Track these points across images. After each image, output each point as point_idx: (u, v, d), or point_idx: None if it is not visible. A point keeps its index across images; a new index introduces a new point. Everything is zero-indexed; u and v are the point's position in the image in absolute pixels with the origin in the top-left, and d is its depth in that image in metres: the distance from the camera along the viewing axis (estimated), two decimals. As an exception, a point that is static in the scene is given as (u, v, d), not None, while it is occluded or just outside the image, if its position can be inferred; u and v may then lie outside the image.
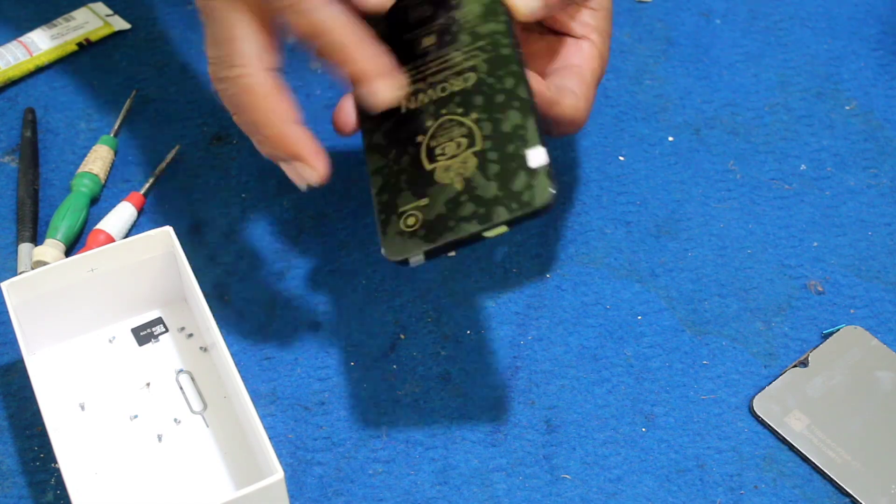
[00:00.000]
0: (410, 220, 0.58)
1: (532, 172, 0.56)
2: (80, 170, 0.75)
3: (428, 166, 0.59)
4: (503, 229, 0.56)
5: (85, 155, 0.76)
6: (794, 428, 0.64)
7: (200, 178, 0.76)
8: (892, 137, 0.78)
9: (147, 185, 0.75)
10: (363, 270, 0.71)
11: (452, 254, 0.59)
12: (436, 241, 0.57)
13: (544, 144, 0.57)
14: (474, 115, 0.59)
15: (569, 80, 0.65)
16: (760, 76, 0.81)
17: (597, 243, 0.72)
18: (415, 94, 0.61)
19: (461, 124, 0.59)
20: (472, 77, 0.60)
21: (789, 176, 0.76)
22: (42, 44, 0.82)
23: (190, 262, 0.65)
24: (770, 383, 0.66)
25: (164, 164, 0.76)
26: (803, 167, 0.76)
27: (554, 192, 0.56)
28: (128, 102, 0.79)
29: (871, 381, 0.65)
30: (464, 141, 0.59)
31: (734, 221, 0.73)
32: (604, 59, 0.67)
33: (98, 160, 0.75)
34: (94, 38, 0.84)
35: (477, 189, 0.57)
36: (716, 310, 0.69)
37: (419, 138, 0.60)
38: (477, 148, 0.58)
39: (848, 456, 0.63)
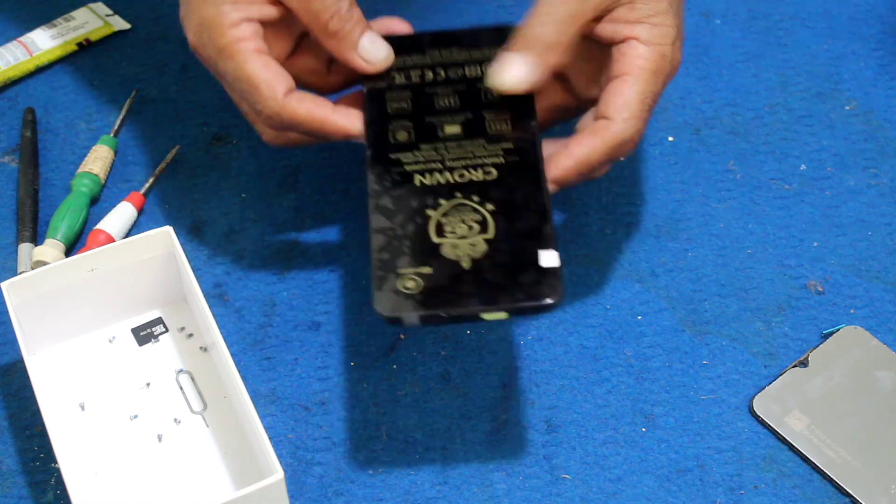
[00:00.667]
0: (409, 283, 0.56)
1: (543, 271, 0.56)
2: (80, 170, 0.75)
3: (435, 239, 0.58)
4: (503, 315, 0.55)
5: (85, 155, 0.76)
6: (794, 428, 0.64)
7: (200, 178, 0.76)
8: (892, 137, 0.78)
9: (147, 185, 0.75)
10: (363, 270, 0.71)
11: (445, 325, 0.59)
12: (433, 308, 0.55)
13: (558, 249, 0.57)
14: (490, 207, 0.59)
15: (611, 103, 0.61)
16: (760, 76, 0.81)
17: (597, 243, 0.72)
18: (430, 171, 0.60)
19: (475, 210, 0.59)
20: (493, 172, 0.60)
21: (789, 176, 0.76)
22: (42, 44, 0.82)
23: (190, 262, 0.65)
24: (770, 383, 0.66)
25: (164, 164, 0.76)
26: (803, 167, 0.76)
27: (562, 293, 0.55)
28: (128, 102, 0.79)
29: (871, 381, 0.65)
30: (476, 226, 0.58)
31: (734, 221, 0.73)
32: (660, 53, 0.61)
33: (98, 160, 0.75)
34: (94, 38, 0.84)
35: (484, 272, 0.56)
36: (716, 310, 0.69)
37: (429, 212, 0.59)
38: (489, 236, 0.58)
39: (848, 456, 0.63)
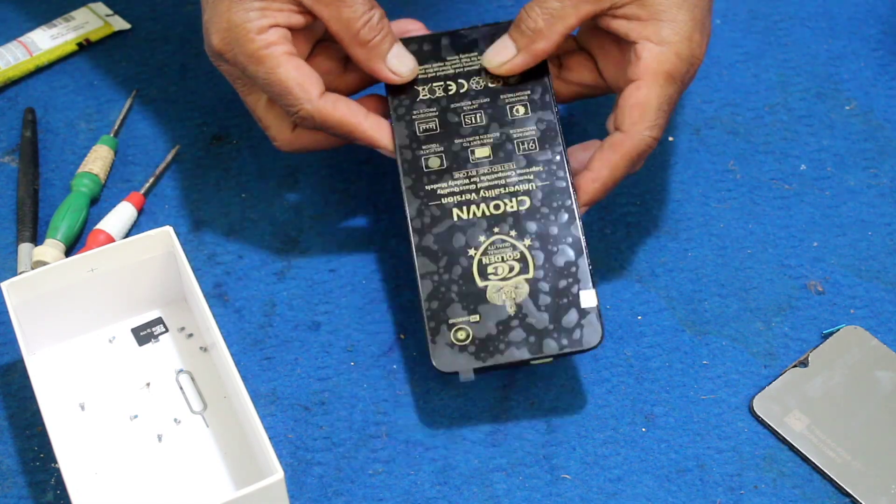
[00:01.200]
0: (461, 334, 0.61)
1: (583, 312, 0.61)
2: (80, 170, 0.75)
3: (480, 283, 0.62)
4: (549, 360, 0.61)
5: (85, 155, 0.76)
6: (794, 428, 0.64)
7: (200, 178, 0.76)
8: (892, 137, 0.78)
9: (147, 185, 0.75)
10: (363, 270, 0.71)
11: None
12: (486, 360, 0.61)
13: (595, 286, 0.61)
14: (527, 242, 0.62)
15: (627, 113, 0.63)
16: (760, 76, 0.81)
17: (597, 243, 0.72)
18: (466, 204, 0.63)
19: (514, 247, 0.62)
20: (526, 201, 0.63)
21: (789, 176, 0.76)
22: (42, 44, 0.82)
23: (190, 262, 0.65)
24: (770, 383, 0.65)
25: (164, 164, 0.76)
26: (803, 167, 0.76)
27: (602, 334, 0.61)
28: (128, 102, 0.79)
29: (871, 381, 0.65)
30: (517, 265, 0.62)
31: (734, 221, 0.73)
32: (675, 53, 0.62)
33: (98, 160, 0.75)
34: (94, 38, 0.84)
35: (528, 317, 0.61)
36: (716, 310, 0.69)
37: (471, 252, 0.62)
38: (529, 276, 0.62)
39: (848, 456, 0.63)
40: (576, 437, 0.64)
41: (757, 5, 0.86)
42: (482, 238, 0.63)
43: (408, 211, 0.64)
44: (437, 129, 0.65)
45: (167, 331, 0.68)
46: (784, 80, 0.81)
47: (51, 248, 0.70)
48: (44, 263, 0.69)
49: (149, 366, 0.66)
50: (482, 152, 0.64)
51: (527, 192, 0.63)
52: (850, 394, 0.65)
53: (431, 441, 0.64)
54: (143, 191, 0.74)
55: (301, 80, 0.63)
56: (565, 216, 0.63)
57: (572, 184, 0.63)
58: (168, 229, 0.65)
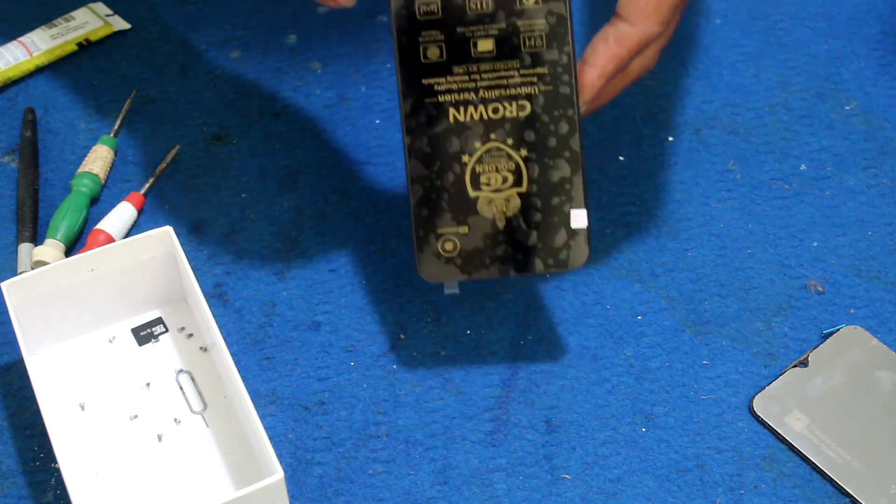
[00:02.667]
0: (448, 246, 0.60)
1: (572, 232, 0.60)
2: (80, 170, 0.75)
3: (471, 193, 0.61)
4: (536, 272, 0.61)
5: (85, 155, 0.76)
6: (794, 428, 0.64)
7: (200, 178, 0.76)
8: (892, 137, 0.78)
9: (147, 185, 0.75)
10: (363, 270, 0.71)
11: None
12: (471, 274, 0.60)
13: (587, 206, 0.60)
14: (524, 152, 0.60)
15: (639, 5, 0.61)
16: (760, 76, 0.81)
17: (597, 243, 0.72)
18: (464, 104, 0.61)
19: (509, 157, 0.61)
20: (527, 107, 0.61)
21: (789, 176, 0.76)
22: (42, 44, 0.82)
23: (190, 262, 0.65)
24: (770, 383, 0.66)
25: (164, 164, 0.76)
26: (803, 167, 0.76)
27: (588, 256, 0.60)
28: (128, 102, 0.79)
29: (871, 381, 0.65)
30: (510, 177, 0.61)
31: (734, 221, 0.73)
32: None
33: (98, 160, 0.75)
34: (94, 38, 0.84)
35: (517, 233, 0.60)
36: (716, 310, 0.69)
37: (465, 158, 0.61)
38: (522, 190, 0.60)
39: (848, 456, 0.63)
40: (576, 437, 0.64)
41: (757, 5, 0.86)
42: (477, 144, 0.60)
43: (402, 108, 0.61)
44: (438, 13, 0.61)
45: (167, 331, 0.68)
46: (784, 80, 0.81)
47: (51, 248, 0.70)
48: (44, 263, 0.69)
49: (149, 366, 0.66)
50: (485, 45, 0.61)
51: (528, 97, 0.60)
52: (850, 394, 0.65)
53: (431, 441, 0.64)
54: (143, 191, 0.74)
55: None
56: (566, 127, 0.60)
57: (577, 93, 0.61)
58: (168, 229, 0.65)
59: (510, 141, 0.60)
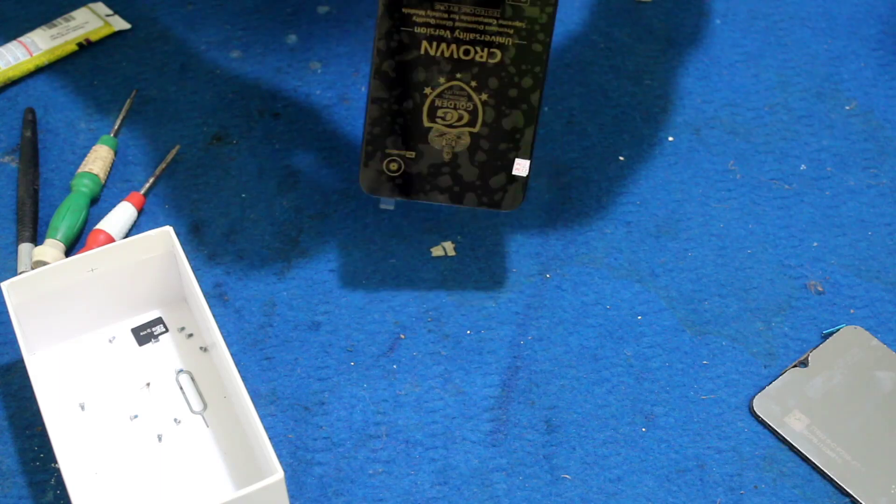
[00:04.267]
0: (393, 165, 0.63)
1: (511, 178, 0.63)
2: (80, 170, 0.75)
3: (426, 123, 0.63)
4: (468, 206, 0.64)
5: (85, 155, 0.76)
6: (794, 428, 0.64)
7: (200, 178, 0.76)
8: (892, 137, 0.78)
9: (147, 185, 0.75)
10: (363, 270, 0.71)
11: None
12: (408, 195, 0.63)
13: (531, 158, 0.63)
14: (484, 96, 0.62)
15: None
16: (760, 76, 0.81)
17: (597, 243, 0.72)
18: (438, 39, 0.62)
19: (469, 98, 0.62)
20: (497, 55, 0.62)
21: (789, 176, 0.76)
22: (42, 44, 0.82)
23: (190, 262, 0.65)
24: (770, 383, 0.66)
25: (164, 164, 0.76)
26: (803, 167, 0.76)
27: (520, 203, 0.64)
28: (128, 102, 0.79)
29: (871, 381, 0.65)
30: (466, 116, 0.63)
31: (734, 221, 0.73)
32: None
33: (98, 160, 0.75)
34: (94, 38, 0.84)
35: (460, 168, 0.63)
36: (716, 310, 0.69)
37: (427, 90, 0.63)
38: (474, 130, 0.63)
39: (848, 456, 0.63)
40: (576, 437, 0.64)
41: (757, 5, 0.86)
42: (442, 80, 0.63)
43: (377, 30, 0.62)
44: None
45: (167, 331, 0.68)
46: (784, 80, 0.81)
47: (51, 248, 0.70)
48: (44, 263, 0.69)
49: (149, 366, 0.66)
50: None
51: (501, 46, 0.62)
52: (850, 394, 0.65)
53: (431, 441, 0.64)
54: (143, 191, 0.74)
55: None
56: (530, 82, 0.62)
57: (549, 46, 0.62)
58: (168, 229, 0.65)
59: (473, 83, 0.62)
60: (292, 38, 0.84)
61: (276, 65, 0.82)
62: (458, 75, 0.62)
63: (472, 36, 0.62)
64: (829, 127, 0.78)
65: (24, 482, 0.62)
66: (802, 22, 0.85)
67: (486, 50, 0.62)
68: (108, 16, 0.85)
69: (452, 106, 0.62)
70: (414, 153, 0.63)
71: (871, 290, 0.70)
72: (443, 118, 0.62)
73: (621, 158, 0.77)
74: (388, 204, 0.65)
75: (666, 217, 0.74)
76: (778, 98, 0.80)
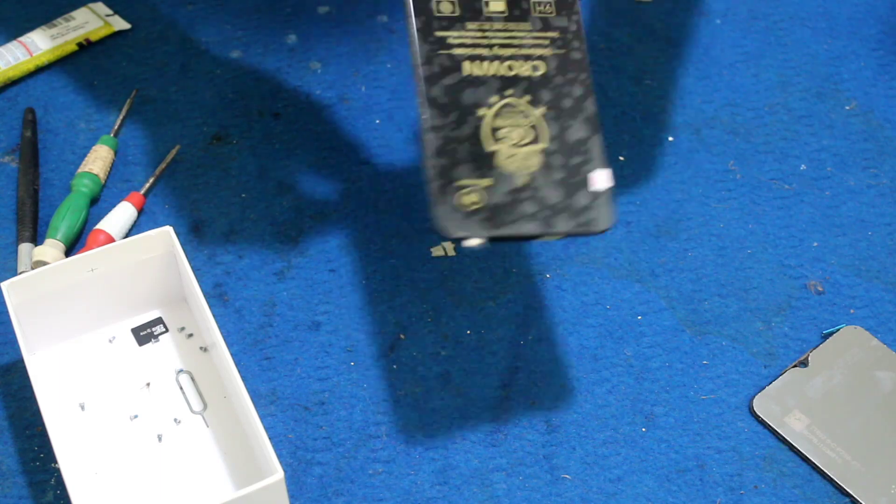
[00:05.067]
0: (471, 198, 0.57)
1: (596, 194, 0.58)
2: (80, 170, 0.75)
3: (491, 146, 0.58)
4: (558, 237, 0.58)
5: (85, 155, 0.76)
6: (794, 428, 0.64)
7: (200, 178, 0.76)
8: (892, 137, 0.78)
9: (147, 185, 0.75)
10: (363, 270, 0.71)
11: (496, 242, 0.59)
12: (498, 229, 0.56)
13: (608, 166, 0.58)
14: (541, 110, 0.59)
15: None
16: (760, 76, 0.81)
17: (597, 243, 0.72)
18: (478, 59, 0.60)
19: (526, 114, 0.59)
20: (541, 67, 0.60)
21: (789, 176, 0.76)
22: (42, 44, 0.82)
23: (190, 262, 0.65)
24: (770, 383, 0.66)
25: (164, 164, 0.76)
26: (803, 167, 0.76)
27: (615, 219, 0.58)
28: (128, 102, 0.79)
29: (871, 381, 0.65)
30: (529, 133, 0.59)
31: (734, 221, 0.73)
32: None
33: (98, 160, 0.75)
34: (94, 38, 0.84)
35: (540, 191, 0.57)
36: (716, 310, 0.69)
37: (481, 112, 0.59)
38: (542, 146, 0.58)
39: (848, 456, 0.63)
40: (576, 437, 0.64)
41: (757, 5, 0.86)
42: (494, 98, 0.59)
43: (418, 57, 0.59)
44: None
45: (167, 331, 0.68)
46: (784, 80, 0.81)
47: (51, 248, 0.70)
48: (44, 263, 0.69)
49: (149, 366, 0.66)
50: (497, 6, 0.61)
51: (541, 58, 0.60)
52: (850, 394, 0.65)
53: (431, 441, 0.64)
54: (143, 191, 0.74)
55: None
56: (580, 90, 0.60)
57: (587, 52, 0.60)
58: (168, 229, 0.65)
59: (526, 98, 0.59)
60: (292, 38, 0.84)
61: (276, 65, 0.82)
62: (509, 91, 0.59)
63: (510, 52, 0.60)
64: (829, 127, 0.78)
65: (24, 482, 0.62)
66: (802, 22, 0.85)
67: (528, 63, 0.60)
68: (108, 16, 0.85)
69: (513, 124, 0.59)
70: (489, 180, 0.57)
71: (871, 290, 0.70)
72: (507, 138, 0.58)
73: (621, 158, 0.77)
74: (473, 244, 0.57)
75: (666, 217, 0.74)
76: (778, 98, 0.80)
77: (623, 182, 0.75)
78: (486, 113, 0.59)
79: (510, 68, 0.60)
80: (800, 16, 0.85)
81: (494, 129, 0.59)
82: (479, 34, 0.60)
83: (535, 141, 0.59)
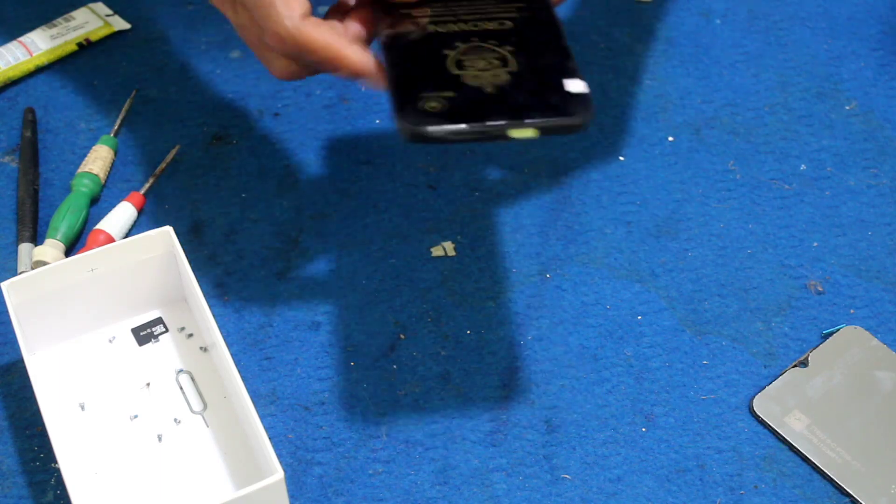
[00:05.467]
0: (433, 104, 0.54)
1: (570, 95, 0.55)
2: (80, 170, 0.75)
3: (454, 72, 0.56)
4: (531, 132, 0.54)
5: (85, 155, 0.76)
6: (794, 428, 0.64)
7: (200, 178, 0.76)
8: (892, 137, 0.78)
9: (147, 185, 0.75)
10: (363, 270, 0.71)
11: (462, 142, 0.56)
12: (461, 121, 0.53)
13: (584, 79, 0.55)
14: (509, 48, 0.57)
15: None
16: (760, 76, 0.81)
17: (597, 243, 0.72)
18: (443, 22, 0.59)
19: (493, 51, 0.57)
20: (508, 24, 0.58)
21: (789, 176, 0.76)
22: (42, 44, 0.82)
23: (190, 262, 0.65)
24: (770, 383, 0.66)
25: (164, 164, 0.76)
26: (803, 167, 0.76)
27: (592, 114, 0.54)
28: (128, 102, 0.79)
29: (871, 381, 0.65)
30: (496, 62, 0.56)
31: (734, 221, 0.73)
32: None
33: (98, 160, 0.75)
34: (94, 38, 0.84)
35: (509, 96, 0.55)
36: (716, 310, 0.69)
37: (446, 51, 0.57)
38: (511, 69, 0.56)
39: (848, 456, 0.63)
40: (576, 437, 0.64)
41: (757, 5, 0.86)
42: (459, 43, 0.57)
43: (379, 27, 0.59)
44: None
45: (167, 331, 0.68)
46: (784, 80, 0.81)
47: (51, 248, 0.70)
48: (44, 263, 0.69)
49: (149, 366, 0.66)
50: None
51: (509, 19, 0.59)
52: (850, 394, 0.65)
53: (431, 441, 0.64)
54: (143, 191, 0.74)
55: None
56: (551, 35, 0.58)
57: (557, 18, 0.59)
58: (168, 229, 0.65)
59: (492, 41, 0.57)
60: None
61: (276, 65, 0.82)
62: (474, 39, 0.57)
63: (477, 16, 0.59)
64: (829, 127, 0.78)
65: (24, 482, 0.62)
66: (802, 22, 0.85)
67: (495, 22, 0.58)
68: (108, 16, 0.85)
69: (479, 58, 0.56)
70: (453, 93, 0.54)
71: (871, 290, 0.70)
72: (472, 66, 0.56)
73: (621, 158, 0.77)
74: (437, 131, 0.53)
75: (666, 217, 0.74)
76: (778, 98, 0.80)
77: (623, 182, 0.75)
78: (451, 52, 0.57)
79: (476, 26, 0.59)
80: (800, 16, 0.85)
81: (460, 61, 0.57)
82: (443, 10, 0.59)
83: (503, 66, 0.56)
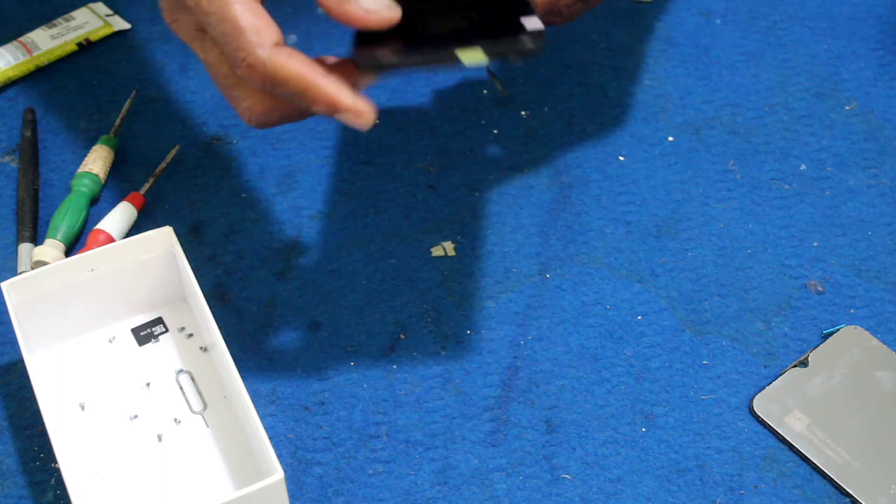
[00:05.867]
0: (389, 40, 0.55)
1: (525, 28, 0.55)
2: (80, 170, 0.75)
3: (417, 26, 0.57)
4: (481, 56, 0.55)
5: (85, 155, 0.76)
6: (794, 428, 0.64)
7: (200, 178, 0.76)
8: (892, 137, 0.78)
9: (147, 185, 0.75)
10: (363, 270, 0.71)
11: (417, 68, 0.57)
12: (416, 49, 0.55)
13: (539, 18, 0.56)
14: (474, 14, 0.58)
15: None
16: (760, 76, 0.81)
17: (597, 243, 0.72)
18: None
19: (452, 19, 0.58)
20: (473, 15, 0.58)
21: (789, 176, 0.76)
22: (42, 44, 0.82)
23: (190, 262, 0.65)
24: (770, 383, 0.66)
25: (164, 164, 0.76)
26: (803, 167, 0.76)
27: (544, 40, 0.55)
28: (128, 102, 0.79)
29: (871, 381, 0.65)
30: (459, 19, 0.57)
31: (734, 221, 0.73)
32: None
33: (98, 160, 0.75)
34: (94, 38, 0.84)
35: (462, 34, 0.56)
36: (716, 310, 0.69)
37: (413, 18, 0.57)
38: (471, 19, 0.57)
39: (848, 456, 0.63)
40: (576, 437, 0.64)
41: (757, 5, 0.86)
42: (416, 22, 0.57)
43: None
44: None
45: (167, 331, 0.68)
46: (784, 80, 0.81)
47: (51, 248, 0.70)
48: (44, 263, 0.69)
49: (149, 366, 0.66)
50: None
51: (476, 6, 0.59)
52: (850, 394, 0.65)
53: (431, 441, 0.64)
54: (143, 191, 0.74)
55: (257, 23, 0.56)
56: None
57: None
58: (168, 229, 0.65)
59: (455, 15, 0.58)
60: (292, 38, 0.84)
61: (276, 65, 0.82)
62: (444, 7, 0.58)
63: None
64: (829, 127, 0.78)
65: (24, 482, 0.62)
66: (802, 22, 0.85)
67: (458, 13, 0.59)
68: (108, 16, 0.85)
69: (443, 19, 0.57)
70: (411, 34, 0.56)
71: (871, 290, 0.70)
72: (434, 23, 0.57)
73: (621, 158, 0.77)
74: (389, 58, 0.55)
75: (666, 217, 0.74)
76: (778, 98, 0.80)
77: (623, 182, 0.75)
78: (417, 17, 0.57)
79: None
80: (800, 16, 0.85)
81: (424, 21, 0.57)
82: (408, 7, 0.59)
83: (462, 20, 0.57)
